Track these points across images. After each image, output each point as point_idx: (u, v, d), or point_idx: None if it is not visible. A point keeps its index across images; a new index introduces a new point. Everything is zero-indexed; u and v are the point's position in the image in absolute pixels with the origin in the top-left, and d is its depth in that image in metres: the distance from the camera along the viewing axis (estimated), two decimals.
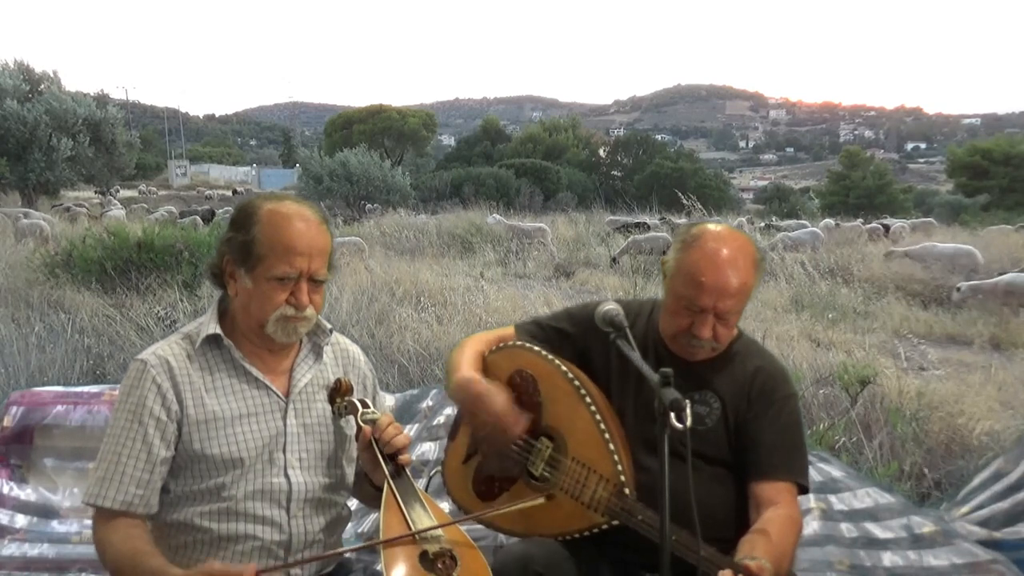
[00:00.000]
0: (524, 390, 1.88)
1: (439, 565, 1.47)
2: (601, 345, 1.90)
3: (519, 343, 1.95)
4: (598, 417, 1.76)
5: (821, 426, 3.92)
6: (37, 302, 6.76)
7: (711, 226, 1.81)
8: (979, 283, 10.13)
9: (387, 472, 1.62)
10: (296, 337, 1.69)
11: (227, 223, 1.72)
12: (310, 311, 1.64)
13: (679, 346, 1.81)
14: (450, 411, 2.86)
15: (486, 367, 1.94)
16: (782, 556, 1.59)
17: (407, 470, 1.65)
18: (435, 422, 2.95)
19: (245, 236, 1.62)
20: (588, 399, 1.79)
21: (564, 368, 1.85)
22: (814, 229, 17.88)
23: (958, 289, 10.00)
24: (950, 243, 14.18)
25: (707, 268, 1.72)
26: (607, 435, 1.74)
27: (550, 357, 1.88)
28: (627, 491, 1.70)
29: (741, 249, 1.76)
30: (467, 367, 1.88)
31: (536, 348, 1.91)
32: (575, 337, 1.96)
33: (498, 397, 1.80)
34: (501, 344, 1.97)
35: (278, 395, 1.69)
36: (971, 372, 5.85)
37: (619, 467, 1.71)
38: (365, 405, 1.71)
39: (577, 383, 1.82)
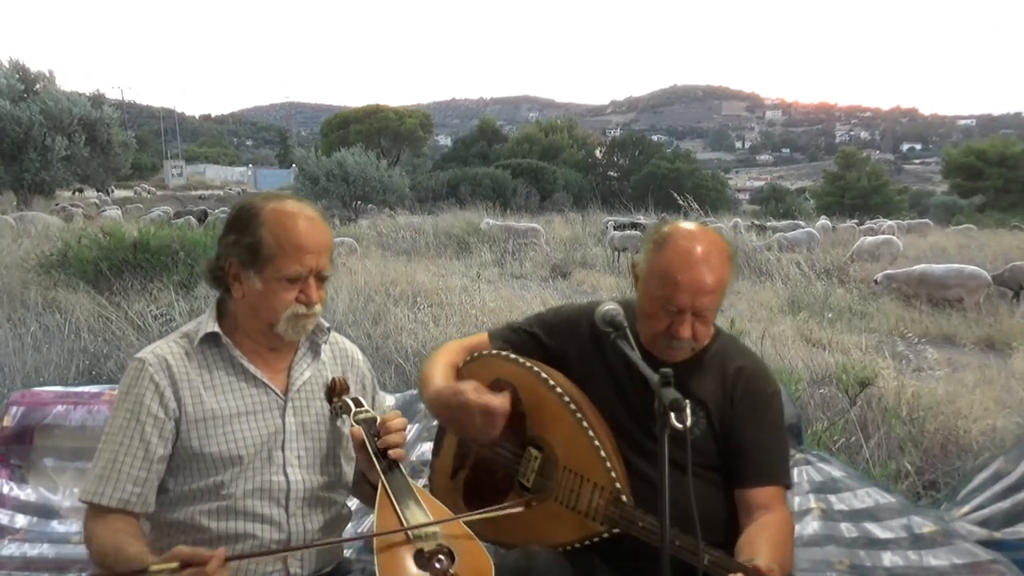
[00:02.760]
0: None
1: (435, 563, 1.45)
2: (578, 350, 1.88)
3: (494, 352, 1.92)
4: (585, 424, 1.73)
5: (819, 427, 3.93)
6: (33, 302, 6.73)
7: (681, 224, 1.79)
8: (895, 272, 10.36)
9: (380, 470, 1.60)
10: (304, 334, 1.69)
11: (225, 224, 1.69)
12: (318, 307, 1.65)
13: (659, 348, 1.77)
14: None
15: (460, 379, 1.89)
16: (784, 560, 1.58)
17: (401, 468, 1.64)
18: (435, 422, 2.94)
19: (251, 238, 1.61)
20: (572, 406, 1.75)
21: (544, 375, 1.81)
22: (810, 229, 17.91)
23: (876, 281, 10.12)
24: (928, 242, 14.60)
25: (682, 267, 1.69)
26: (597, 442, 1.70)
27: (528, 364, 1.85)
28: (624, 498, 1.67)
29: (713, 245, 1.73)
30: (438, 380, 1.85)
31: (512, 356, 1.88)
32: (550, 345, 1.93)
33: (469, 387, 1.75)
34: (475, 354, 1.94)
35: (276, 393, 1.68)
36: (966, 372, 5.87)
37: (613, 474, 1.68)
38: (359, 404, 1.70)
39: (559, 390, 1.78)
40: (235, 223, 1.66)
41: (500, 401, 1.72)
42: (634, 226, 18.42)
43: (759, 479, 1.73)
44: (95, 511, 1.57)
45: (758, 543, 1.59)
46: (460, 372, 1.92)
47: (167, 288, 7.14)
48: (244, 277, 1.63)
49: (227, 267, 1.65)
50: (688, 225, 1.78)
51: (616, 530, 1.67)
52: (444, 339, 5.90)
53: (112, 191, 36.64)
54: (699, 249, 1.71)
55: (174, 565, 1.34)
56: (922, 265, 10.68)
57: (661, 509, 1.37)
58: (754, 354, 1.94)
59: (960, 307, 9.71)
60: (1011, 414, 4.38)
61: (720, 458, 1.77)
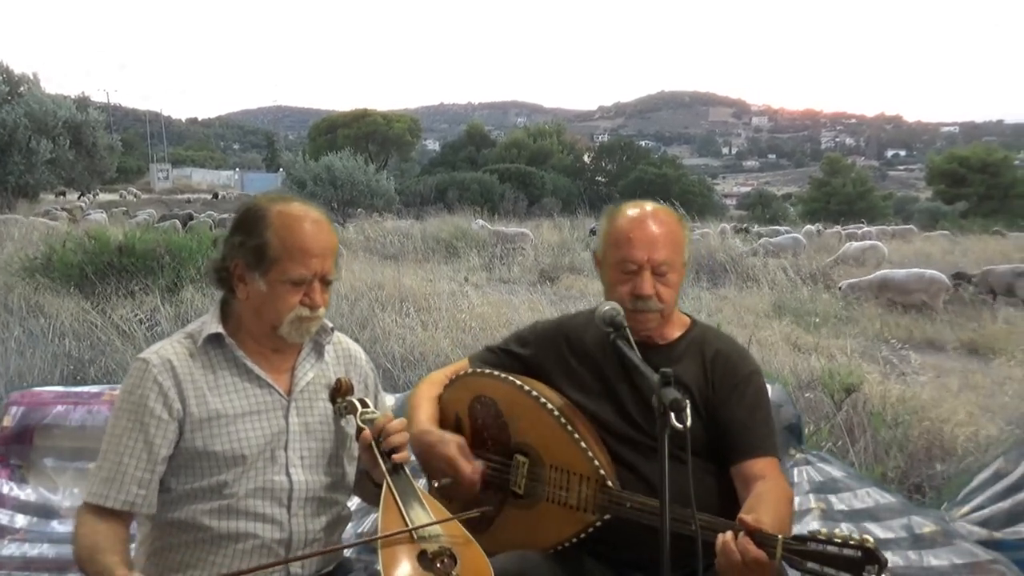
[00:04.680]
0: (487, 414, 1.90)
1: (438, 565, 1.46)
2: (555, 358, 1.94)
3: (470, 371, 1.98)
4: (563, 420, 1.78)
5: (806, 430, 3.95)
6: (16, 306, 6.66)
7: (628, 202, 1.91)
8: (858, 280, 10.63)
9: (385, 471, 1.61)
10: (307, 337, 1.70)
11: (231, 225, 1.70)
12: (322, 311, 1.66)
13: (629, 320, 1.79)
14: None
15: (443, 406, 1.96)
16: (784, 523, 1.60)
17: (406, 469, 1.65)
18: None
19: (257, 240, 1.61)
20: (549, 405, 1.80)
21: (519, 383, 1.87)
22: (796, 235, 18.06)
23: (839, 288, 10.29)
24: (913, 248, 14.86)
25: (633, 225, 1.81)
26: (576, 435, 1.75)
27: (502, 376, 1.90)
28: (610, 483, 1.71)
29: (661, 208, 1.87)
30: (423, 419, 1.89)
31: (487, 371, 1.94)
32: (527, 358, 1.98)
33: (450, 444, 1.80)
34: (454, 378, 2.00)
35: (280, 393, 1.69)
36: (950, 377, 5.93)
37: (596, 462, 1.72)
38: (365, 405, 1.71)
39: (535, 393, 1.83)
40: (241, 224, 1.66)
41: (472, 470, 1.79)
42: None
43: (751, 452, 1.75)
44: (87, 510, 1.57)
45: (757, 509, 1.60)
46: (442, 400, 1.97)
47: (152, 292, 7.09)
48: (249, 279, 1.63)
49: (232, 268, 1.65)
50: (636, 201, 1.91)
51: (607, 516, 1.71)
52: (433, 344, 5.91)
53: (97, 194, 36.36)
54: (648, 210, 1.85)
55: None
56: (883, 271, 10.90)
57: (662, 502, 1.41)
58: (731, 338, 1.98)
59: (944, 311, 9.81)
60: (994, 418, 4.43)
61: (708, 440, 1.79)
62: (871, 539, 1.38)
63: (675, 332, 1.89)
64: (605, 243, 1.86)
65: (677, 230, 1.83)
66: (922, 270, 10.77)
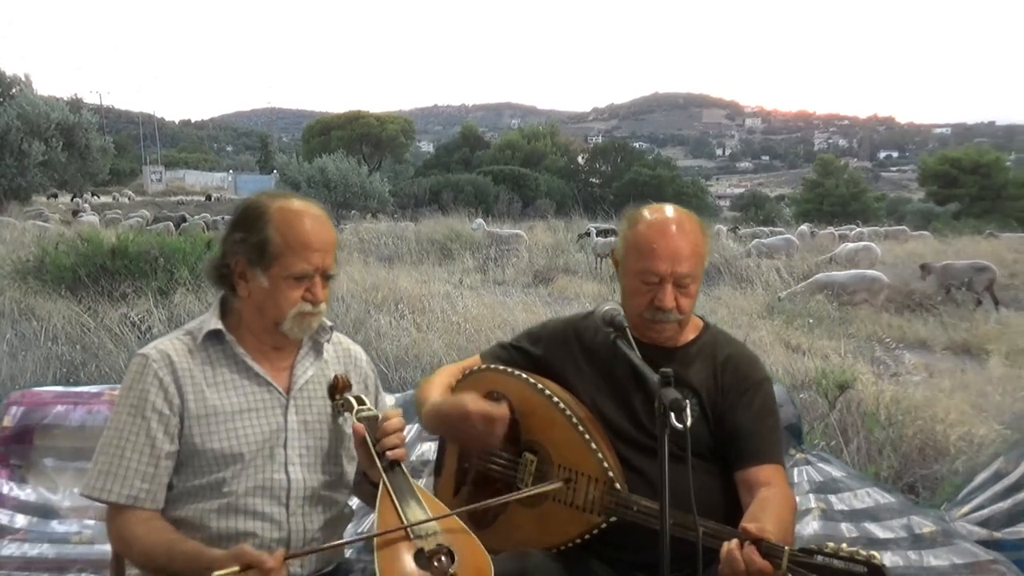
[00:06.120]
0: None
1: (435, 563, 1.45)
2: (566, 357, 1.93)
3: (483, 367, 1.97)
4: (574, 420, 1.77)
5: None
6: (8, 309, 6.63)
7: (651, 204, 1.86)
8: (796, 288, 10.96)
9: (381, 468, 1.59)
10: (308, 332, 1.70)
11: (231, 222, 1.70)
12: (323, 306, 1.66)
13: (645, 328, 1.80)
14: None
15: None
16: (787, 531, 1.60)
17: (403, 467, 1.63)
18: None
19: (258, 236, 1.61)
20: (561, 405, 1.80)
21: (532, 380, 1.86)
22: (788, 236, 18.11)
23: (779, 298, 10.47)
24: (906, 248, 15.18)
25: (656, 235, 1.75)
26: (587, 436, 1.75)
27: (516, 373, 1.90)
28: (618, 485, 1.70)
29: (685, 216, 1.81)
30: (437, 397, 1.89)
31: (500, 368, 1.93)
32: (538, 356, 1.97)
33: (467, 397, 1.79)
34: (467, 372, 1.99)
35: (279, 391, 1.68)
36: (943, 377, 5.94)
37: (605, 464, 1.72)
38: (361, 402, 1.70)
39: (548, 392, 1.83)
40: (241, 221, 1.65)
41: (499, 408, 1.77)
42: (616, 232, 18.49)
43: (757, 459, 1.74)
44: (116, 513, 1.57)
45: (758, 513, 1.60)
46: (454, 391, 1.96)
47: (145, 295, 7.06)
48: (251, 275, 1.63)
49: (233, 265, 1.64)
50: (657, 204, 1.86)
51: (613, 519, 1.70)
52: (427, 345, 5.90)
53: (92, 196, 36.21)
54: (672, 218, 1.79)
55: (236, 569, 1.36)
56: (824, 274, 11.34)
57: (662, 503, 1.40)
58: (742, 344, 1.97)
59: (937, 311, 9.85)
60: (987, 418, 4.43)
61: (715, 444, 1.79)
62: (877, 555, 1.36)
63: (688, 335, 1.87)
64: (626, 248, 1.82)
65: (700, 239, 1.79)
66: (863, 271, 11.15)
